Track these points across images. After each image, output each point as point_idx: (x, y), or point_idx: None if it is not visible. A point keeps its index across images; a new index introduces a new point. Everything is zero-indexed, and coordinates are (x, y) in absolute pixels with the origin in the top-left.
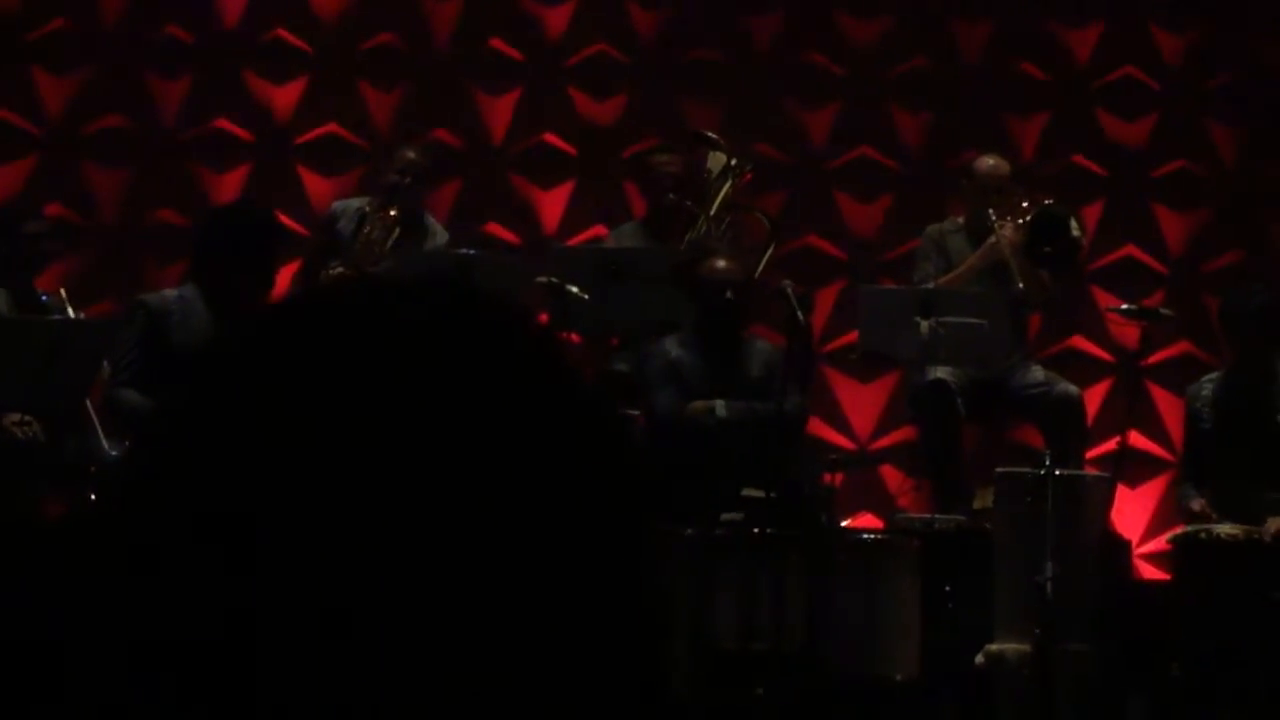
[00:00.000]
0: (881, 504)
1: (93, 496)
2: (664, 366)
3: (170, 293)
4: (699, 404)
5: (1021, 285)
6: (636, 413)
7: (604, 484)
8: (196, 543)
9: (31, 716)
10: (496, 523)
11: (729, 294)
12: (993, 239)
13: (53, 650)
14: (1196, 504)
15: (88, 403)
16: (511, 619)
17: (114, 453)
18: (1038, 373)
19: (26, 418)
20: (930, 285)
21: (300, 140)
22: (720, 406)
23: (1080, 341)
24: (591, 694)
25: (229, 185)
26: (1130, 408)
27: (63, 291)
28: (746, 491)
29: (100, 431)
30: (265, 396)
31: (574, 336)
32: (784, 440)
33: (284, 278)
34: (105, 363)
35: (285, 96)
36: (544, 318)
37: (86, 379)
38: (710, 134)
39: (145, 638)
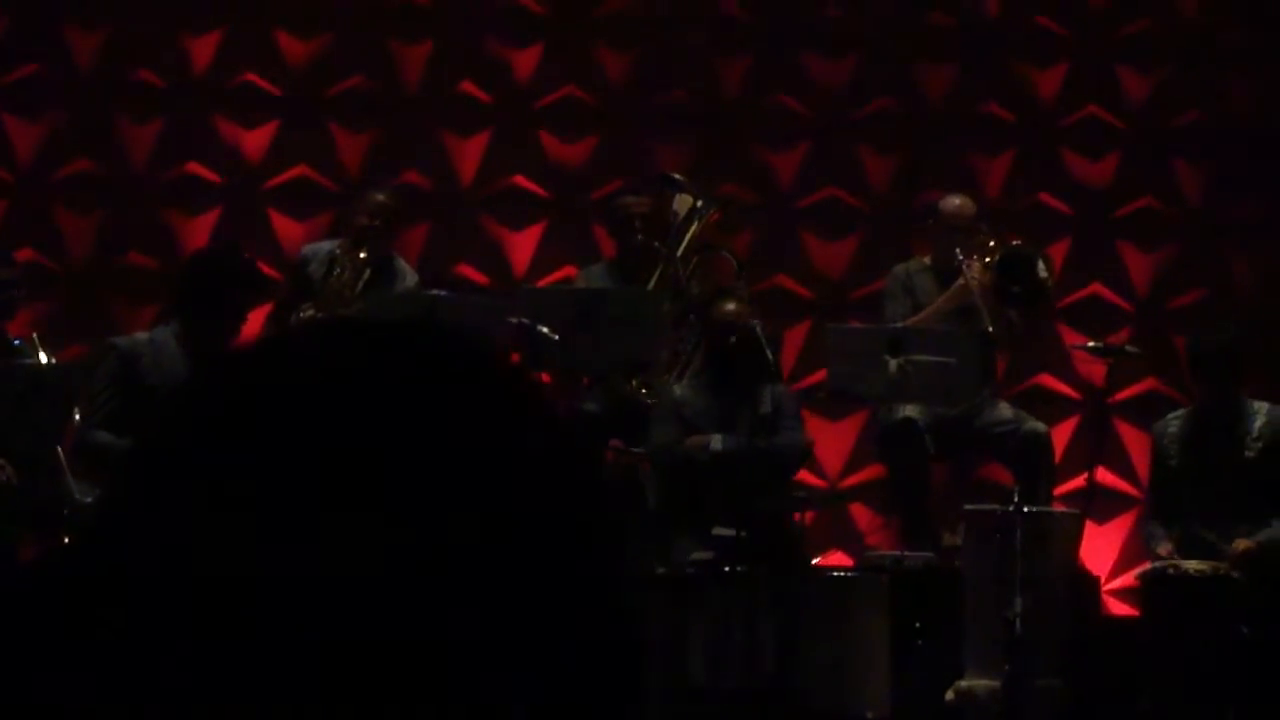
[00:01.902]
0: (851, 541)
1: (65, 540)
2: (667, 405)
3: (142, 336)
4: (695, 438)
5: (991, 329)
6: (639, 450)
7: (579, 519)
8: (168, 587)
9: None
10: (472, 560)
11: (732, 339)
12: (961, 281)
13: (20, 697)
14: (1164, 549)
15: (58, 447)
16: (488, 655)
17: (88, 499)
18: (1005, 410)
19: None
20: (899, 324)
21: (271, 184)
22: (716, 440)
23: (1047, 379)
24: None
25: (200, 229)
26: (1097, 445)
27: (35, 336)
28: (717, 530)
29: (69, 476)
30: (238, 437)
31: (544, 377)
32: (778, 474)
33: (255, 321)
34: (76, 407)
35: (255, 140)
36: (515, 358)
37: (59, 422)
38: (677, 176)
39: (116, 684)
